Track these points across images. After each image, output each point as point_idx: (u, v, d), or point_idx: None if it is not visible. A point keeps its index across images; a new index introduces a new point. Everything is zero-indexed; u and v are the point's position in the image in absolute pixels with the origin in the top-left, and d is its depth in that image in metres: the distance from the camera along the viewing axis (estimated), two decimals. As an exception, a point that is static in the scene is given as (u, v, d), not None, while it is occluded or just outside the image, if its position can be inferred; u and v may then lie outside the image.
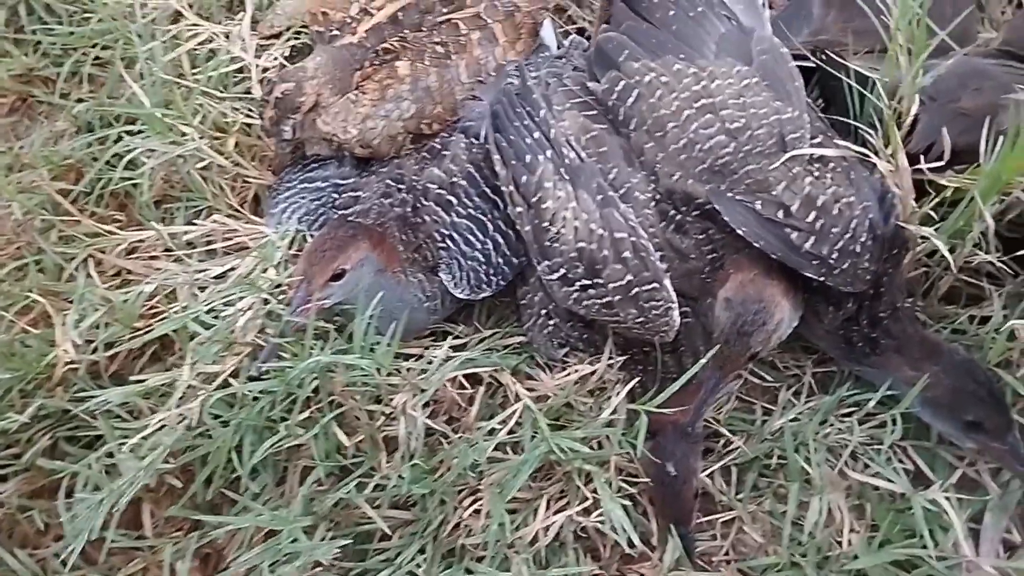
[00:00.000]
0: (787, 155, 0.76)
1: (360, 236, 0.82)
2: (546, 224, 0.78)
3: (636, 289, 0.75)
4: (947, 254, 0.75)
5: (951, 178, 0.78)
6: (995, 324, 0.80)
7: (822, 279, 0.76)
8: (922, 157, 0.80)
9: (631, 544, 0.75)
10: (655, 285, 0.75)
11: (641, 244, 0.76)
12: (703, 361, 0.74)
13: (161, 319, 0.86)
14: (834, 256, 0.75)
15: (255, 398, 0.77)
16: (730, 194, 0.77)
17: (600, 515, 0.77)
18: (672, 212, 0.79)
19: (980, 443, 0.77)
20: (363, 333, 0.77)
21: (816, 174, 0.77)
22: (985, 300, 0.85)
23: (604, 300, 0.76)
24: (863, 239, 0.75)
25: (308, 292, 0.79)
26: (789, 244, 0.75)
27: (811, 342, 0.85)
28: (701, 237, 0.79)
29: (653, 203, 0.80)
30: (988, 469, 0.82)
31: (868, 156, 0.78)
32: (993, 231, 0.79)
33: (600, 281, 0.76)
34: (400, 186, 0.87)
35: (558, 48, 0.96)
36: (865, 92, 0.83)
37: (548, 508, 0.79)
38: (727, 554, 0.82)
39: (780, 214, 0.75)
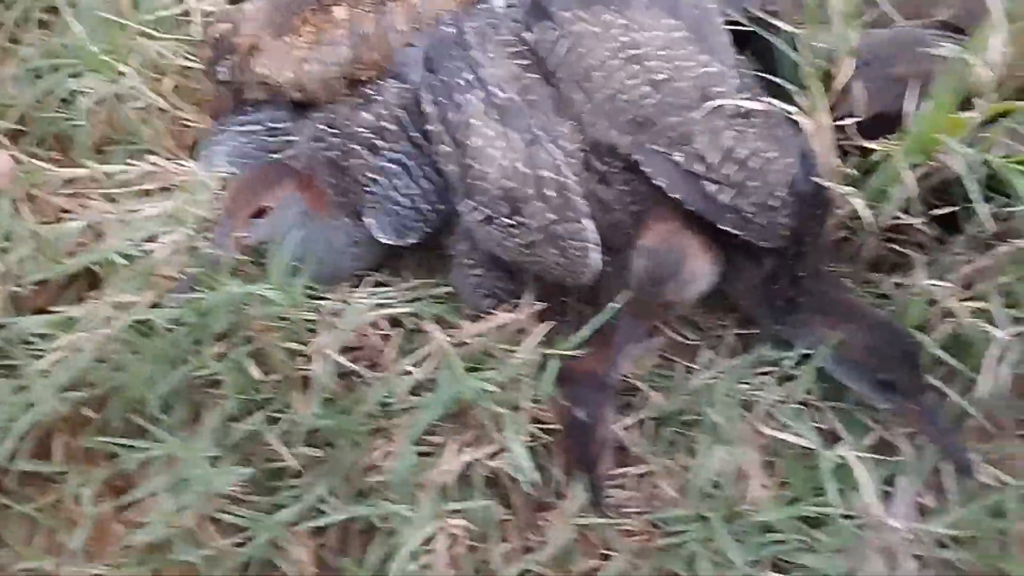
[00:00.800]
0: (708, 105, 0.76)
1: (287, 176, 0.83)
2: (471, 161, 0.79)
3: (557, 228, 0.76)
4: (864, 213, 0.76)
5: (876, 141, 0.78)
6: (915, 288, 0.80)
7: (739, 233, 0.76)
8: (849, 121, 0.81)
9: (533, 486, 0.75)
10: (576, 225, 0.76)
11: (565, 183, 0.76)
12: (614, 306, 0.74)
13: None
14: (751, 210, 0.75)
15: (168, 329, 0.77)
16: (652, 146, 0.77)
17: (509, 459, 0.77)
18: (597, 163, 0.79)
19: (893, 403, 0.77)
20: (281, 269, 0.77)
21: (739, 129, 0.77)
22: (911, 268, 0.85)
23: (525, 240, 0.76)
24: (781, 194, 0.75)
25: (230, 226, 0.79)
26: (706, 197, 0.75)
27: (734, 300, 0.85)
28: (624, 189, 0.79)
29: (579, 153, 0.80)
30: (903, 433, 0.82)
31: (791, 114, 0.77)
32: (916, 195, 0.79)
33: (522, 219, 0.76)
34: (331, 130, 0.87)
35: (507, 6, 0.96)
36: (791, 53, 0.82)
37: (460, 451, 0.79)
38: (639, 506, 0.81)
39: (699, 167, 0.75)
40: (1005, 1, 0.77)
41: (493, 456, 0.78)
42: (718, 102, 0.76)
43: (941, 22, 0.93)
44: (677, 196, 0.75)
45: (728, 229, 0.75)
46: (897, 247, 0.87)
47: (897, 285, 0.85)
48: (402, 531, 0.75)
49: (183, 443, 0.75)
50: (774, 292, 0.80)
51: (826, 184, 0.76)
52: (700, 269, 0.76)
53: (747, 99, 0.77)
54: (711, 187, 0.75)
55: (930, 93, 0.78)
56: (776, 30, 0.84)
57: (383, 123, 0.85)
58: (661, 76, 0.78)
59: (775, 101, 0.78)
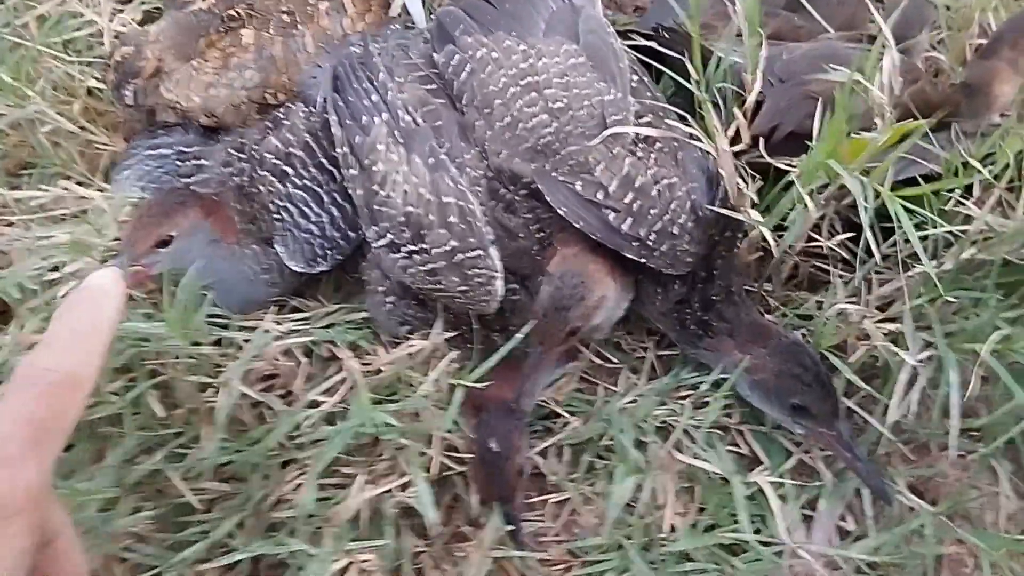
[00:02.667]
0: (604, 134, 0.74)
1: (191, 203, 0.80)
2: (376, 187, 0.77)
3: (460, 256, 0.74)
4: (769, 236, 0.75)
5: (780, 161, 0.77)
6: (829, 308, 0.79)
7: (643, 260, 0.75)
8: (762, 140, 0.80)
9: (445, 517, 0.74)
10: (479, 253, 0.74)
11: (468, 209, 0.75)
12: (518, 335, 0.73)
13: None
14: (652, 237, 0.74)
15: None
16: (553, 174, 0.76)
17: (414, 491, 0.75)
18: (501, 190, 0.78)
19: (807, 427, 0.76)
20: (179, 301, 0.75)
21: (639, 155, 0.76)
22: (830, 287, 0.84)
23: (428, 267, 0.75)
24: (682, 221, 0.74)
25: (130, 258, 0.77)
26: (607, 225, 0.74)
27: (651, 323, 0.84)
28: (529, 216, 0.78)
29: (484, 180, 0.78)
30: (823, 456, 0.81)
31: (690, 138, 0.76)
32: (827, 216, 0.78)
33: (425, 247, 0.75)
34: (240, 155, 0.85)
35: (426, 23, 0.95)
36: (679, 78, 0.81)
37: (371, 485, 0.77)
38: (557, 535, 0.80)
39: (599, 195, 0.74)
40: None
41: (404, 487, 0.76)
42: (614, 130, 0.74)
43: (869, 36, 0.93)
44: (579, 224, 0.74)
45: (632, 257, 0.74)
46: (819, 264, 0.86)
47: (819, 304, 0.83)
48: (309, 568, 0.73)
49: (79, 486, 0.73)
50: (686, 316, 0.78)
51: (723, 210, 0.74)
52: (606, 295, 0.75)
53: (645, 125, 0.76)
54: (610, 215, 0.73)
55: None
56: (684, 49, 0.82)
57: (291, 149, 0.83)
58: (559, 104, 0.76)
59: (674, 124, 0.76)
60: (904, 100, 0.83)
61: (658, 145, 0.77)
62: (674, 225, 0.74)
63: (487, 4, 0.84)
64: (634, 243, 0.74)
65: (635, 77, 0.82)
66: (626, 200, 0.73)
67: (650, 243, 0.73)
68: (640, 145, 0.76)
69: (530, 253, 0.77)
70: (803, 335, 0.81)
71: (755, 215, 0.75)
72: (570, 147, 0.75)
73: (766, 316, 0.85)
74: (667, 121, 0.78)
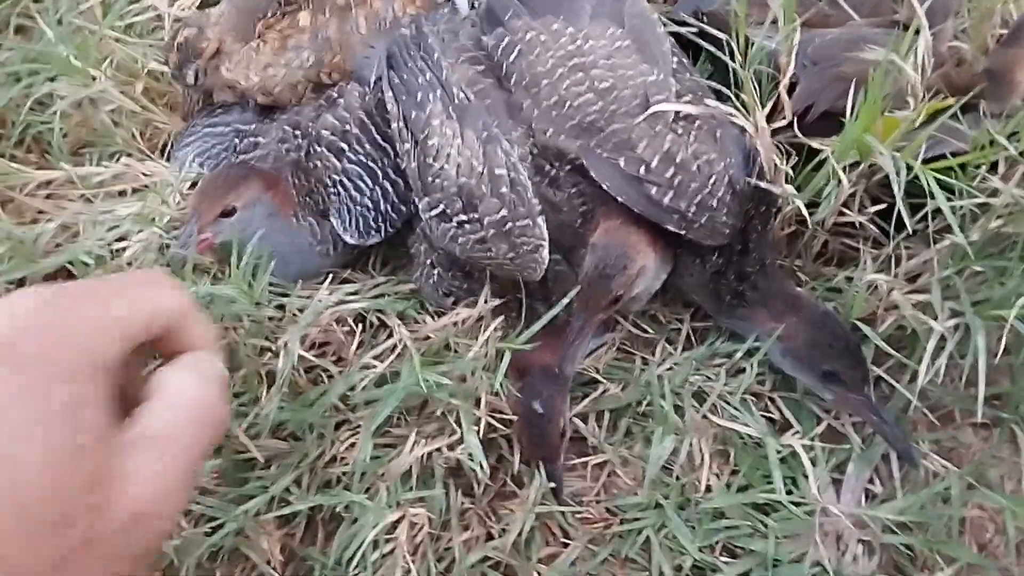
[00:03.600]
0: (647, 112, 0.78)
1: (253, 177, 0.85)
2: (430, 160, 0.81)
3: (509, 224, 0.78)
4: (804, 210, 0.78)
5: (813, 139, 0.80)
6: (860, 281, 0.83)
7: (683, 232, 0.78)
8: (796, 120, 0.84)
9: (491, 476, 0.79)
10: (528, 222, 0.78)
11: (518, 180, 0.79)
12: (564, 301, 0.77)
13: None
14: (692, 210, 0.77)
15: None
16: (598, 151, 0.79)
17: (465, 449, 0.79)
18: (546, 167, 0.82)
19: (837, 393, 0.80)
20: (245, 269, 0.80)
21: (679, 132, 0.80)
22: (860, 261, 0.87)
23: (478, 236, 0.79)
24: (720, 194, 0.78)
25: (197, 226, 0.81)
26: (649, 199, 0.78)
27: (687, 294, 0.88)
28: (573, 191, 0.82)
29: (530, 157, 0.82)
30: (852, 422, 0.84)
31: (731, 115, 0.80)
32: (859, 193, 0.82)
33: (476, 216, 0.78)
34: (296, 132, 0.90)
35: (470, 8, 0.99)
36: (722, 55, 0.85)
37: (422, 443, 0.81)
38: (597, 494, 0.84)
39: (641, 170, 0.78)
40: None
41: (452, 447, 0.81)
42: (656, 108, 0.78)
43: (894, 21, 0.96)
44: (622, 198, 0.77)
45: (673, 229, 0.78)
46: (848, 241, 0.89)
47: (848, 279, 0.87)
48: (364, 520, 0.77)
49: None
50: (722, 287, 0.82)
51: (763, 184, 0.78)
52: (647, 264, 0.78)
53: (686, 104, 0.79)
54: (652, 189, 0.77)
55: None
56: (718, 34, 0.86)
57: (346, 126, 0.88)
58: (604, 84, 0.80)
59: (713, 103, 0.80)
60: (932, 83, 0.87)
61: (698, 123, 0.80)
62: (713, 199, 0.77)
63: None
64: (675, 216, 0.77)
65: (676, 59, 0.85)
66: (667, 175, 0.77)
67: (690, 216, 0.77)
68: (681, 123, 0.79)
69: (573, 226, 0.81)
70: (837, 307, 0.84)
71: (790, 189, 0.78)
72: (614, 125, 0.79)
73: (801, 288, 0.88)
74: (706, 100, 0.82)
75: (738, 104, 0.82)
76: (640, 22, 0.85)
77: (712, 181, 0.78)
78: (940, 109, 0.73)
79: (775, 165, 0.79)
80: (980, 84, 0.93)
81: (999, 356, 0.74)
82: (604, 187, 0.78)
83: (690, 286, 0.85)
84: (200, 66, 0.92)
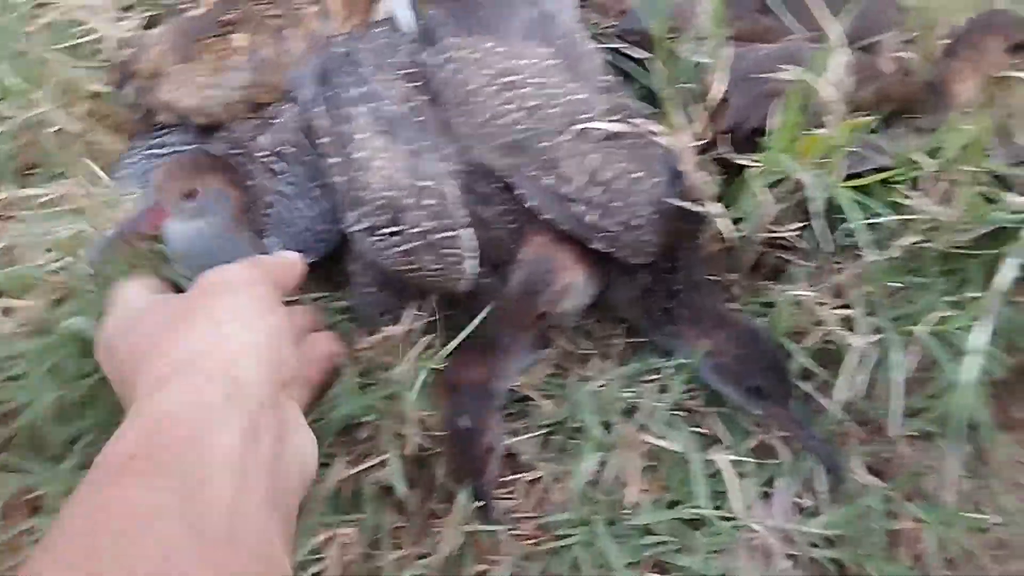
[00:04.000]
0: (571, 129, 0.79)
1: (223, 169, 0.85)
2: (357, 173, 0.81)
3: (434, 236, 0.79)
4: (726, 228, 0.78)
5: (743, 157, 0.81)
6: (783, 296, 0.83)
7: (609, 251, 0.79)
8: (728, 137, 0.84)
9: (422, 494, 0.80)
10: (453, 233, 0.78)
11: (444, 192, 0.79)
12: (480, 315, 0.77)
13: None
14: (616, 229, 0.78)
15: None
16: (524, 169, 0.80)
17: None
18: (477, 184, 0.83)
19: (763, 408, 0.80)
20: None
21: (607, 151, 0.80)
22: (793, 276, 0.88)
23: (403, 248, 0.79)
24: (647, 214, 0.79)
25: (155, 204, 0.80)
26: (574, 217, 0.78)
27: (618, 311, 0.88)
28: (502, 209, 0.82)
29: (462, 174, 0.83)
30: (781, 437, 0.85)
31: (656, 133, 0.80)
32: (788, 208, 0.82)
33: (401, 227, 0.79)
34: (234, 150, 0.90)
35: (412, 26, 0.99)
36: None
37: (353, 463, 0.82)
38: (529, 511, 0.84)
39: (566, 189, 0.78)
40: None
41: (382, 466, 0.81)
42: (580, 127, 0.78)
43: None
44: (549, 217, 0.78)
45: (599, 248, 0.78)
46: (783, 255, 0.89)
47: (781, 293, 0.87)
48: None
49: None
50: (652, 303, 0.83)
51: (684, 203, 0.79)
52: (574, 282, 0.79)
53: (610, 122, 0.80)
54: (578, 208, 0.78)
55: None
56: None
57: (280, 147, 0.88)
58: (533, 103, 0.81)
59: (637, 121, 0.81)
60: (866, 97, 0.87)
61: (625, 141, 0.81)
62: (639, 218, 0.78)
63: (469, 8, 0.89)
64: (600, 235, 0.78)
65: (606, 78, 0.86)
66: (590, 194, 0.78)
67: (614, 234, 0.78)
68: (608, 142, 0.80)
69: (503, 243, 0.82)
70: (767, 322, 0.84)
71: (716, 207, 0.79)
72: (542, 143, 0.80)
73: (732, 304, 0.89)
74: (633, 120, 0.82)
75: (666, 123, 0.82)
76: (569, 42, 0.85)
77: (638, 201, 0.78)
78: (858, 126, 0.74)
79: (702, 183, 0.79)
80: (919, 96, 0.93)
81: (916, 366, 0.75)
82: (530, 206, 0.79)
83: (620, 303, 0.85)
84: (139, 85, 0.93)
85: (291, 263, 0.72)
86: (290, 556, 0.50)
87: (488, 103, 0.82)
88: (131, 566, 0.41)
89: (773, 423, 0.82)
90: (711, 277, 0.86)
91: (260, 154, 0.88)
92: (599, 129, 0.80)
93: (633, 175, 0.79)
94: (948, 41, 1.00)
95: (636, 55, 0.91)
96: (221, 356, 0.54)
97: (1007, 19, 0.93)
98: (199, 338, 0.55)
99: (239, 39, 0.92)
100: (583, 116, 0.80)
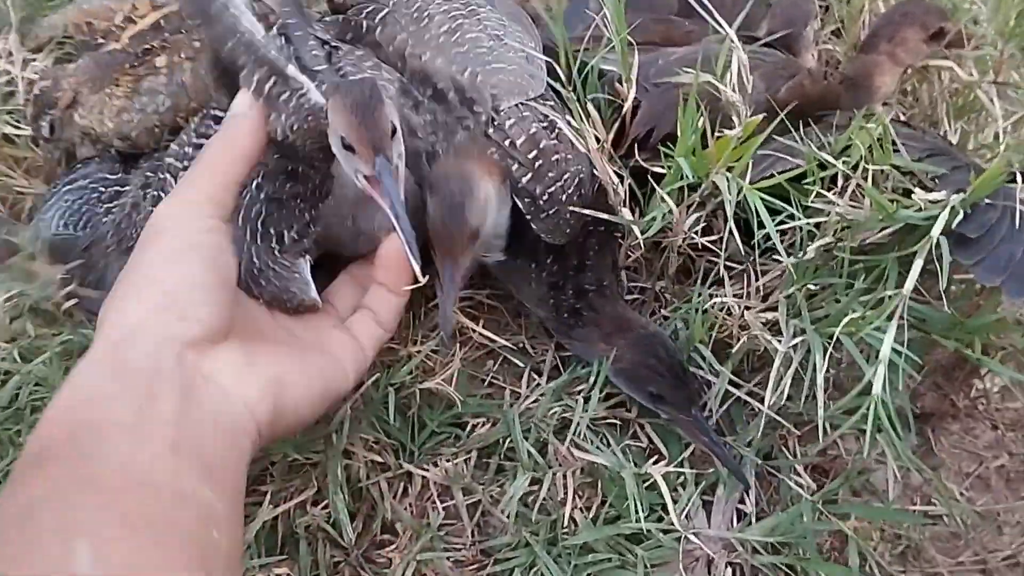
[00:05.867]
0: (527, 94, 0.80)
1: None
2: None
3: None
4: (639, 235, 0.78)
5: (653, 164, 0.80)
6: (697, 300, 0.83)
7: (528, 217, 0.79)
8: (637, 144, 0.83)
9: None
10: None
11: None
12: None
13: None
14: (544, 198, 0.78)
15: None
16: (473, 88, 0.80)
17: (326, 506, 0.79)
18: (412, 91, 0.82)
19: (666, 414, 0.81)
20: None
21: (544, 126, 0.80)
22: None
23: None
24: (571, 192, 0.78)
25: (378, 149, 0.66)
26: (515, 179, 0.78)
27: (530, 311, 0.88)
28: (428, 119, 0.81)
29: (398, 83, 0.82)
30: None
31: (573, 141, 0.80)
32: (710, 211, 0.81)
33: None
34: (156, 174, 0.88)
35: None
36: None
37: (286, 499, 0.81)
38: (472, 535, 0.84)
39: (506, 142, 0.78)
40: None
41: (318, 502, 0.80)
42: (533, 94, 0.80)
43: (750, 37, 0.95)
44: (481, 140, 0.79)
45: (521, 209, 0.78)
46: (712, 259, 0.88)
47: (710, 296, 0.86)
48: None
49: None
50: (561, 302, 0.82)
51: (585, 210, 0.78)
52: (489, 193, 0.76)
53: (550, 109, 0.81)
54: (514, 165, 0.77)
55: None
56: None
57: (186, 148, 0.84)
58: (497, 32, 0.82)
59: (564, 123, 0.80)
60: (783, 96, 0.87)
61: (558, 129, 0.80)
62: (564, 193, 0.77)
63: None
64: (526, 198, 0.78)
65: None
66: (529, 155, 0.77)
67: (541, 203, 0.77)
68: (546, 123, 0.80)
69: (423, 155, 0.81)
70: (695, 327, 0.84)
71: (626, 214, 0.78)
72: (497, 75, 0.80)
73: (664, 310, 0.88)
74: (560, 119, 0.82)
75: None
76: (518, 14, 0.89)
77: (567, 176, 0.78)
78: (762, 127, 0.73)
79: (614, 191, 0.79)
80: (837, 92, 0.93)
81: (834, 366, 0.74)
82: (463, 124, 0.79)
83: (529, 298, 0.85)
84: (56, 116, 0.91)
85: (237, 130, 0.70)
86: (223, 487, 0.55)
87: (449, 22, 0.83)
88: (37, 530, 0.48)
89: (678, 428, 0.82)
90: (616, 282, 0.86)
91: (169, 160, 0.83)
92: (544, 111, 0.80)
93: (566, 154, 0.79)
94: (868, 34, 0.99)
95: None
96: (120, 328, 0.58)
97: (922, 8, 0.93)
98: (112, 307, 0.60)
99: (159, 60, 0.91)
100: (538, 76, 0.82)
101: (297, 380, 0.65)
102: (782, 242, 0.75)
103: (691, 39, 0.98)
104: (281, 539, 0.81)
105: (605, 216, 0.78)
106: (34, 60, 1.01)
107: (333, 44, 0.83)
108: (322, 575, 0.81)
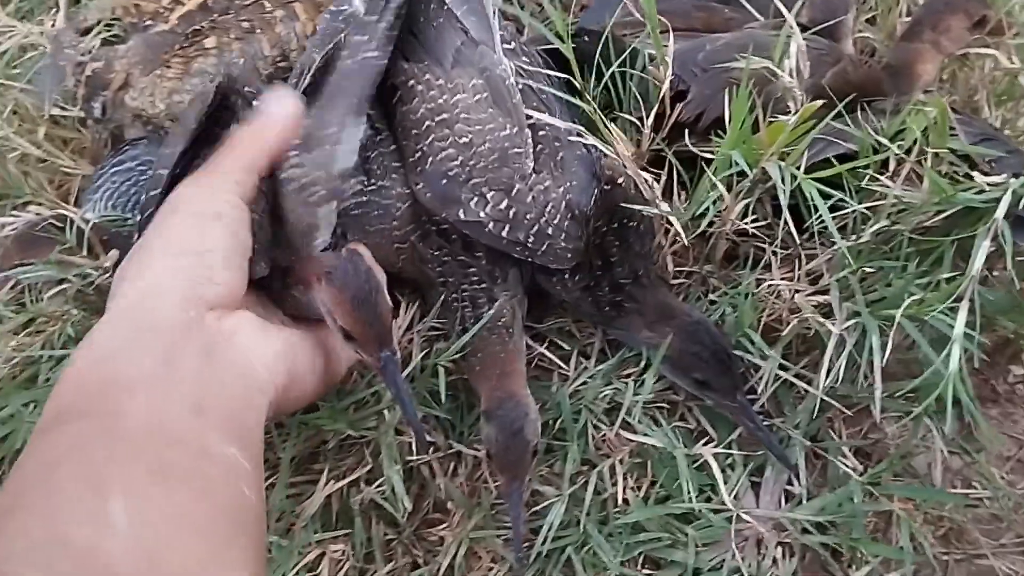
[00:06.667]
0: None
1: None
2: None
3: None
4: (678, 225, 0.79)
5: (704, 148, 0.81)
6: (746, 284, 0.84)
7: (529, 260, 0.80)
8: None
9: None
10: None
11: None
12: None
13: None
14: (531, 240, 0.78)
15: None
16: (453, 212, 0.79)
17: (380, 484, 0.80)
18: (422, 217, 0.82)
19: (713, 400, 0.81)
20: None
21: (514, 164, 0.80)
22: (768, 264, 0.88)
23: None
24: (557, 222, 0.79)
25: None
26: (490, 235, 0.78)
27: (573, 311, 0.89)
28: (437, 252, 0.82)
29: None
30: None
31: (583, 136, 0.81)
32: (760, 196, 0.82)
33: None
34: None
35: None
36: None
37: (340, 478, 0.81)
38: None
39: (481, 211, 0.78)
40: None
41: (371, 481, 0.81)
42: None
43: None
44: (466, 232, 0.79)
45: (517, 256, 0.79)
46: (759, 244, 0.89)
47: (757, 283, 0.87)
48: (283, 560, 0.77)
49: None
50: (599, 298, 0.82)
51: (586, 207, 0.80)
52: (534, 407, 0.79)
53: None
54: (490, 224, 0.78)
55: (768, 97, 0.81)
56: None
57: None
58: (464, 140, 0.80)
59: (572, 127, 0.81)
60: (827, 83, 0.87)
61: (540, 147, 0.81)
62: (549, 226, 0.78)
63: (410, 35, 0.86)
64: (517, 248, 0.78)
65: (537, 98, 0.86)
66: (501, 207, 0.77)
67: (531, 245, 0.78)
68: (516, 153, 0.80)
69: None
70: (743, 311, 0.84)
71: (663, 205, 0.79)
72: (473, 180, 0.79)
73: (710, 295, 0.89)
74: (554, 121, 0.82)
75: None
76: (494, 74, 0.83)
77: (548, 209, 0.79)
78: (818, 113, 0.74)
79: (647, 182, 0.79)
80: (880, 79, 0.93)
81: (895, 351, 0.75)
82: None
83: (566, 302, 0.86)
84: (107, 98, 0.92)
85: (272, 123, 0.71)
86: (246, 446, 0.56)
87: (422, 139, 0.81)
88: (66, 486, 0.47)
89: (724, 413, 0.82)
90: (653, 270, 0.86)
91: None
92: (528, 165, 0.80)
93: (542, 184, 0.79)
94: (908, 22, 1.00)
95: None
96: (141, 288, 0.59)
97: (966, -4, 0.94)
98: (129, 271, 0.61)
99: (208, 42, 0.91)
100: (515, 151, 0.80)
101: (303, 354, 0.66)
102: (836, 223, 0.76)
103: (731, 26, 0.99)
104: (336, 516, 0.82)
105: (638, 207, 0.79)
106: (82, 42, 1.01)
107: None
108: (376, 553, 0.82)
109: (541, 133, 0.83)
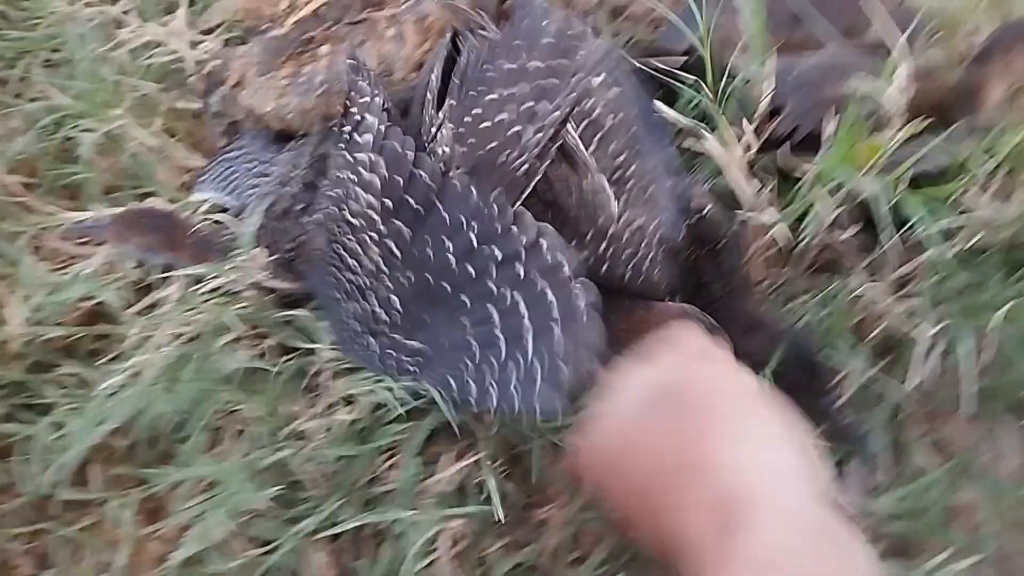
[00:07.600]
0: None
1: None
2: None
3: None
4: (784, 235, 0.85)
5: (800, 161, 0.87)
6: (841, 291, 0.90)
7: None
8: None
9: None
10: None
11: None
12: None
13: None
14: (628, 275, 0.83)
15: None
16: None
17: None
18: None
19: (800, 405, 0.86)
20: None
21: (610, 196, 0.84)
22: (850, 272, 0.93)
23: None
24: (652, 255, 0.84)
25: None
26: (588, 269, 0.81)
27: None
28: None
29: None
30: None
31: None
32: (845, 210, 0.88)
33: None
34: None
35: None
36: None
37: (457, 459, 0.87)
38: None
39: (574, 243, 0.81)
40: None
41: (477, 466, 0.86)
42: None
43: (871, 45, 1.02)
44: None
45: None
46: (842, 252, 0.95)
47: (838, 290, 0.93)
48: (408, 534, 0.83)
49: (219, 467, 0.83)
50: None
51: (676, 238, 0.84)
52: None
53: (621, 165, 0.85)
54: (590, 260, 0.81)
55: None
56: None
57: None
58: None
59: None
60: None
61: (630, 184, 0.85)
62: (645, 262, 0.83)
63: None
64: (613, 281, 0.82)
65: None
66: (600, 248, 0.82)
67: (627, 279, 0.83)
68: (615, 184, 0.84)
69: None
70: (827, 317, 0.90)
71: (772, 214, 0.85)
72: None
73: (793, 301, 0.95)
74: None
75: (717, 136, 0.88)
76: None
77: (644, 245, 0.83)
78: (918, 132, 0.79)
79: (758, 190, 0.85)
80: (952, 100, 0.99)
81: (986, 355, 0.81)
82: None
83: None
84: (224, 94, 0.98)
85: None
86: None
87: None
88: None
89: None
90: (747, 282, 0.92)
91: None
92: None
93: (637, 223, 0.83)
94: (973, 40, 1.05)
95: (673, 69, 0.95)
96: (774, 483, 0.52)
97: (1036, 27, 1.00)
98: (736, 455, 0.54)
99: (322, 49, 0.97)
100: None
101: None
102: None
103: (809, 45, 1.05)
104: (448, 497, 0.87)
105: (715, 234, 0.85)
106: (204, 41, 1.07)
107: None
108: (487, 530, 0.87)
109: (631, 170, 0.87)
